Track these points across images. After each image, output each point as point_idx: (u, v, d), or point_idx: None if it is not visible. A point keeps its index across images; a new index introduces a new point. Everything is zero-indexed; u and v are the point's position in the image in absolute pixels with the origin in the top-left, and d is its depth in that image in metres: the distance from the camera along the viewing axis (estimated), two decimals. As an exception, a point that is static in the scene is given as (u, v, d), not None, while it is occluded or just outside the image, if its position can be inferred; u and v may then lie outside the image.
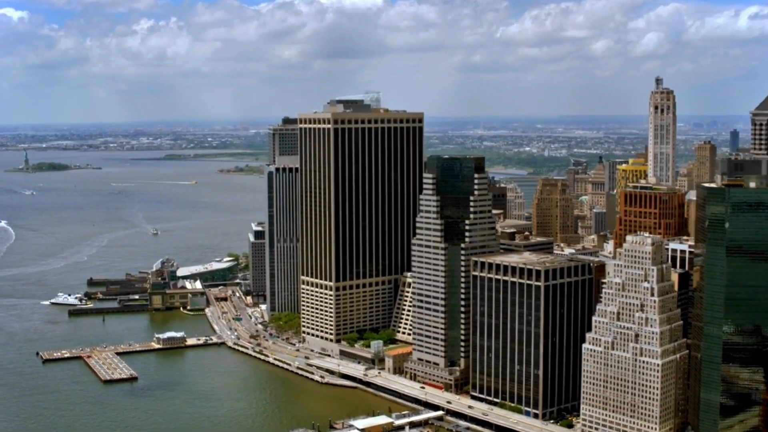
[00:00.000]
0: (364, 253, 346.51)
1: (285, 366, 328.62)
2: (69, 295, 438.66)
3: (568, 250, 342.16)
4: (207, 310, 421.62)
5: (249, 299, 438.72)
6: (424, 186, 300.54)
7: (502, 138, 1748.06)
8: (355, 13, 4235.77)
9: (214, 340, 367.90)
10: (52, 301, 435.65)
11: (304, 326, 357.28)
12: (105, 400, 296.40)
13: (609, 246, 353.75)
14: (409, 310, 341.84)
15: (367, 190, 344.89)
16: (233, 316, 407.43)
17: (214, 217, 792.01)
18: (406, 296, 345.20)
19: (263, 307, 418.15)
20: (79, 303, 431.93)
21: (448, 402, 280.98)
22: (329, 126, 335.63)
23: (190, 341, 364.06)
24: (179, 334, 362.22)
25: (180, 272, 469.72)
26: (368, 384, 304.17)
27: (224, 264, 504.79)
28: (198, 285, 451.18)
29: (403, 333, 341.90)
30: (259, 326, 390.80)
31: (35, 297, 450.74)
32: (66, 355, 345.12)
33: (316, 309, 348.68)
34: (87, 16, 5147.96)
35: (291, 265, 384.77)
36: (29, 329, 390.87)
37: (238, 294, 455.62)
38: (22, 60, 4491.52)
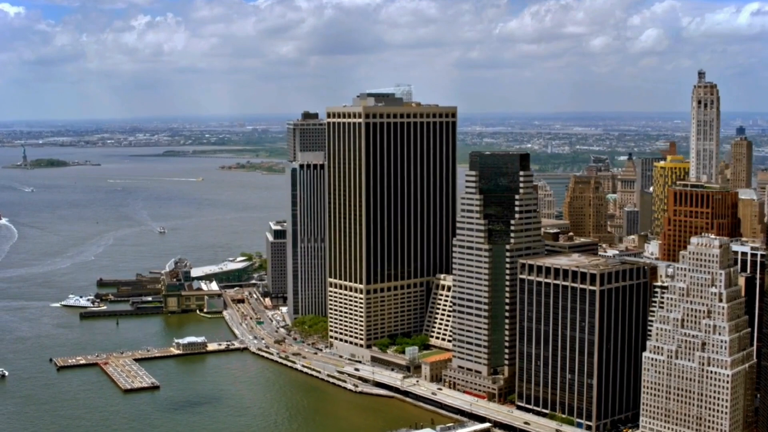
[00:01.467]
0: (396, 254, 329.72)
1: (314, 373, 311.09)
2: (80, 297, 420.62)
3: (610, 251, 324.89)
4: (225, 313, 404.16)
5: (268, 301, 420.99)
6: (467, 184, 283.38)
7: (501, 135, 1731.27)
8: (354, 8, 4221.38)
9: (236, 345, 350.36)
10: (63, 303, 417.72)
11: (331, 331, 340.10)
12: (127, 411, 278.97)
13: (651, 247, 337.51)
14: (443, 314, 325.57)
15: (399, 188, 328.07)
16: (254, 320, 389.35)
17: (221, 214, 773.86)
18: (440, 299, 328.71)
19: (284, 309, 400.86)
20: (91, 305, 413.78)
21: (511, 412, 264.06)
22: (360, 120, 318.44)
23: (211, 346, 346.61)
24: (200, 339, 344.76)
25: (193, 273, 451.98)
26: (406, 393, 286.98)
27: (239, 264, 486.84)
28: (214, 286, 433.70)
29: (437, 338, 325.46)
30: (282, 330, 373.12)
31: (44, 299, 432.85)
32: (81, 362, 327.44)
33: (345, 313, 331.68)
34: (84, 11, 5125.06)
35: (316, 266, 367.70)
36: (41, 333, 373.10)
37: (255, 296, 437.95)
38: (18, 56, 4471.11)
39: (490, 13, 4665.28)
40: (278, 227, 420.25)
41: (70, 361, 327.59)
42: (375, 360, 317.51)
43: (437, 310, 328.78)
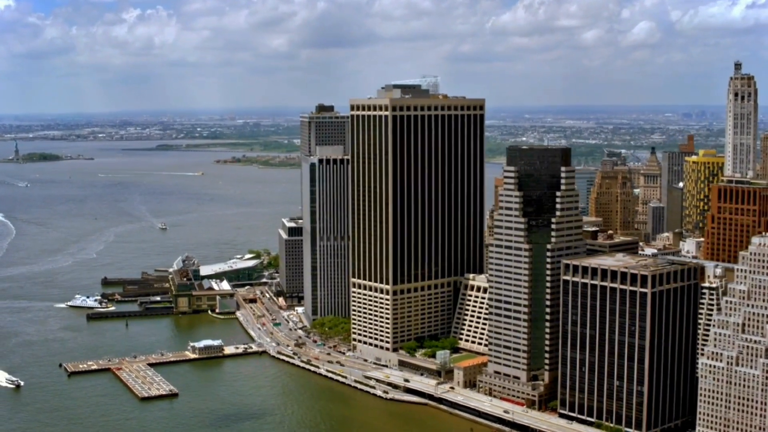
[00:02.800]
0: (423, 253, 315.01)
1: (339, 379, 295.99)
2: (87, 297, 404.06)
3: (648, 250, 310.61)
4: (238, 314, 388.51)
5: (281, 301, 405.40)
6: (505, 180, 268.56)
7: (495, 128, 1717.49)
8: (347, 1, 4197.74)
9: (254, 348, 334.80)
10: (70, 303, 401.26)
11: (354, 333, 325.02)
12: (145, 421, 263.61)
13: (687, 245, 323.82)
14: (473, 316, 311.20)
15: (426, 184, 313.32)
16: (271, 321, 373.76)
17: (222, 209, 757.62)
18: (469, 300, 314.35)
19: (300, 309, 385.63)
20: (99, 306, 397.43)
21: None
22: (387, 113, 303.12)
23: (228, 350, 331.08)
24: (216, 343, 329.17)
25: (202, 271, 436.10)
26: (440, 400, 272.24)
27: (249, 262, 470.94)
28: (225, 285, 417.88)
29: (467, 341, 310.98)
30: (300, 332, 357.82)
31: (48, 299, 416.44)
32: (93, 367, 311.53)
33: (370, 314, 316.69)
34: (75, 4, 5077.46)
35: (336, 265, 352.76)
36: (48, 336, 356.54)
37: (268, 295, 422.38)
38: (8, 49, 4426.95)
39: (483, 6, 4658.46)
40: (292, 224, 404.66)
41: (81, 366, 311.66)
42: (403, 364, 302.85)
43: (466, 312, 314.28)
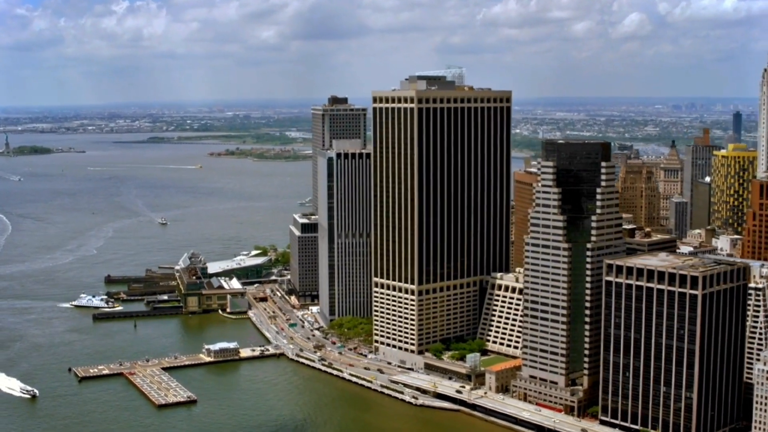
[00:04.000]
0: (449, 251, 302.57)
1: (365, 383, 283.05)
2: (93, 296, 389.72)
3: (684, 248, 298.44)
4: (250, 313, 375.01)
5: (294, 300, 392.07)
6: (542, 176, 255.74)
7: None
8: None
9: (271, 350, 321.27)
10: (75, 303, 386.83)
11: (376, 335, 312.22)
12: (165, 430, 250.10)
13: (720, 242, 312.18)
14: (501, 316, 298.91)
15: (453, 179, 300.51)
16: (286, 321, 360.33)
17: (222, 203, 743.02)
18: (497, 300, 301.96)
19: (314, 309, 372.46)
20: (105, 305, 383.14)
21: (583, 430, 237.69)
22: (413, 105, 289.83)
23: (244, 353, 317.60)
24: (232, 345, 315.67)
25: (209, 269, 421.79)
26: (473, 406, 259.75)
27: (258, 259, 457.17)
28: (235, 284, 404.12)
29: (495, 342, 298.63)
30: (316, 333, 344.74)
31: (51, 298, 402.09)
32: (104, 372, 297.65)
33: (393, 315, 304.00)
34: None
35: (355, 263, 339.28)
36: (54, 339, 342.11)
37: (279, 293, 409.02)
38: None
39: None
40: (305, 220, 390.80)
41: (91, 370, 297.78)
42: (429, 367, 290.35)
43: (494, 312, 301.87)
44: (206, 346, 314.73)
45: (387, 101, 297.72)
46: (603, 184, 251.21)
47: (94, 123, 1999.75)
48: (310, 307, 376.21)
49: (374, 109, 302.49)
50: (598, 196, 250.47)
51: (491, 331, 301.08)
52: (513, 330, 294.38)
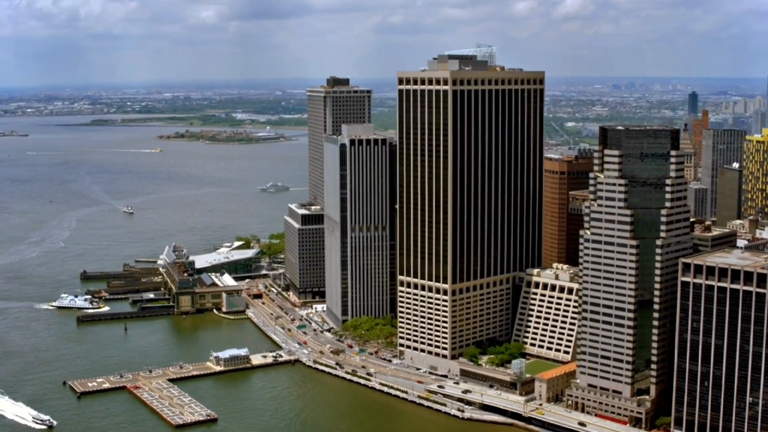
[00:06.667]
0: (482, 247, 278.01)
1: (399, 394, 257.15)
2: (75, 296, 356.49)
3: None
4: (249, 313, 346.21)
5: (293, 297, 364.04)
6: (607, 166, 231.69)
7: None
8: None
9: (285, 357, 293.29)
10: (56, 304, 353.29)
11: (401, 338, 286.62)
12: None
13: (766, 233, 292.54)
14: (539, 317, 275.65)
15: (487, 168, 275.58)
16: (292, 322, 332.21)
17: (186, 189, 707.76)
18: (533, 299, 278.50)
19: (319, 307, 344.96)
20: (90, 306, 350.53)
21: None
22: (446, 87, 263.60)
23: (255, 359, 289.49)
24: (242, 352, 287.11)
25: (196, 263, 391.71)
26: (529, 420, 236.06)
27: (246, 252, 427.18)
28: (228, 280, 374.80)
29: (533, 345, 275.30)
30: (327, 334, 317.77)
31: (26, 298, 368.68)
32: (105, 386, 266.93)
33: (423, 317, 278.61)
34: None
35: (370, 259, 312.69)
36: (38, 345, 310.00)
37: (275, 290, 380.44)
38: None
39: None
40: (305, 211, 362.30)
41: (90, 384, 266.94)
42: (466, 374, 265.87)
43: (531, 312, 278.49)
44: (214, 354, 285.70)
45: (416, 83, 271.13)
46: (672, 174, 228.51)
47: (32, 105, 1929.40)
48: (314, 306, 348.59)
49: (400, 91, 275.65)
50: (668, 188, 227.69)
51: (528, 332, 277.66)
52: (554, 331, 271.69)
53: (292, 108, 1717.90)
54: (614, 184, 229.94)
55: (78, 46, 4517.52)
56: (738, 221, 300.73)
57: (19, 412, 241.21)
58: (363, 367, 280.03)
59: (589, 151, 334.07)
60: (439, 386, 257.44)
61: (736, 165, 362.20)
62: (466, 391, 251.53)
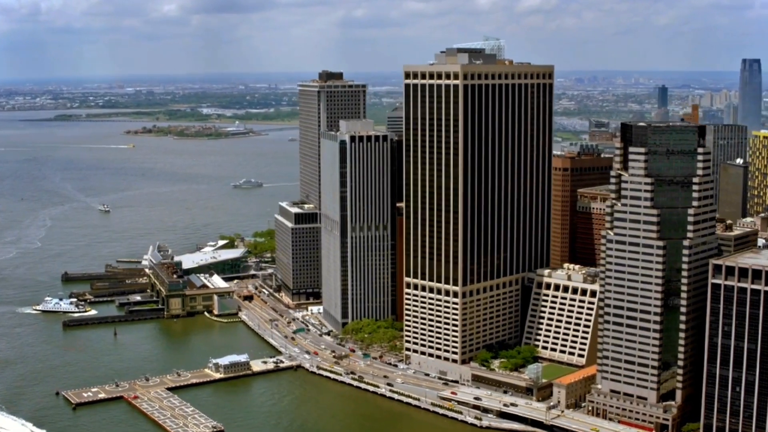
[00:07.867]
0: (491, 247, 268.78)
1: (411, 401, 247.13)
2: (60, 299, 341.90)
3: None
4: (242, 315, 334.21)
5: (286, 298, 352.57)
6: (631, 164, 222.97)
7: (397, 94, 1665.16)
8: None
9: (286, 362, 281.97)
10: (40, 308, 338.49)
11: (408, 342, 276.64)
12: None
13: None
14: (551, 319, 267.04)
15: (497, 165, 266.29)
16: (288, 325, 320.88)
17: (160, 186, 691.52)
18: (544, 300, 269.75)
19: (314, 309, 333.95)
20: (76, 310, 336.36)
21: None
22: (457, 82, 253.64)
23: (255, 366, 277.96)
24: (242, 358, 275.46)
25: (183, 263, 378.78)
26: (551, 428, 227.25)
27: (233, 251, 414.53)
28: (218, 281, 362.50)
29: (546, 348, 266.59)
30: (327, 338, 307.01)
31: (6, 301, 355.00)
32: (101, 396, 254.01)
33: (431, 320, 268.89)
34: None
35: (372, 260, 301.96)
36: (25, 352, 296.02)
37: (266, 291, 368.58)
38: None
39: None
40: (297, 209, 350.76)
41: (85, 395, 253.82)
42: (478, 379, 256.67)
43: (542, 314, 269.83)
44: (213, 360, 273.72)
45: (424, 77, 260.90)
46: (700, 173, 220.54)
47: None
48: (309, 307, 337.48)
49: (407, 86, 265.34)
50: (695, 187, 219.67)
51: (540, 334, 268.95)
52: (567, 334, 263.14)
53: (257, 102, 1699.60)
54: (640, 183, 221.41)
55: (39, 41, 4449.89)
56: (748, 219, 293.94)
57: (19, 430, 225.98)
58: (372, 373, 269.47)
59: (593, 147, 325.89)
60: (476, 398, 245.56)
61: (739, 161, 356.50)
62: (507, 404, 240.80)
